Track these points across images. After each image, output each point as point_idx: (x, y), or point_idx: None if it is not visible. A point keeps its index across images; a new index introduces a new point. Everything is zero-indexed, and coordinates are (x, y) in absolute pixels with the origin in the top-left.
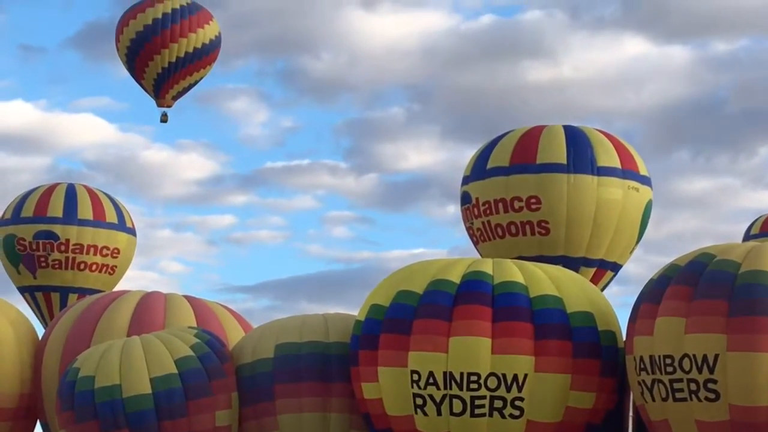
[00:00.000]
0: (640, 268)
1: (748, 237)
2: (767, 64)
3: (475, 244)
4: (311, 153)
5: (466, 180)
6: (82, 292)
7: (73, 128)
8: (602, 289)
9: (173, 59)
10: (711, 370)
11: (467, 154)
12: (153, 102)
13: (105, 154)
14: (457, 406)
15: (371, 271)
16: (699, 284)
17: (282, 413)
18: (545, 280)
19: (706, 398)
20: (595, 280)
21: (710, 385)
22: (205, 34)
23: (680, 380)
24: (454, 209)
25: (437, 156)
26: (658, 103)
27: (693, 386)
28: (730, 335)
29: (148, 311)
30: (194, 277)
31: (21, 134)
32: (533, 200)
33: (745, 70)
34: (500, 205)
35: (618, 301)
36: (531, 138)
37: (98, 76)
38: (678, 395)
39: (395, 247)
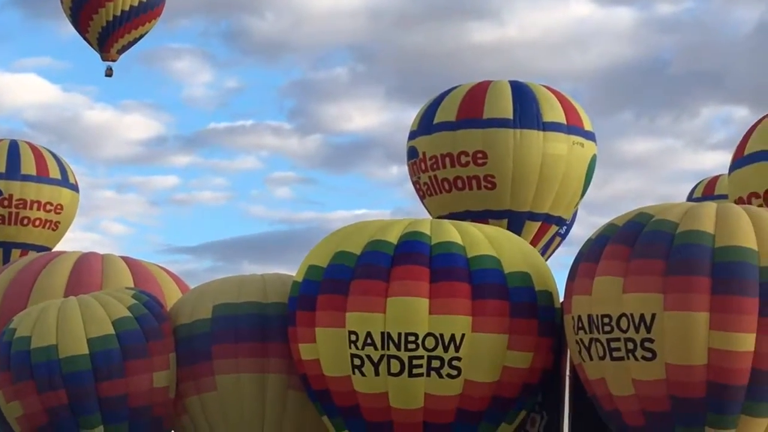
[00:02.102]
0: (583, 229)
1: (690, 200)
2: (711, 27)
3: (422, 198)
4: (255, 114)
5: (412, 135)
6: (25, 247)
7: (14, 88)
8: (547, 242)
9: (118, 12)
10: (648, 330)
11: (411, 114)
12: (96, 61)
13: (47, 114)
14: (395, 366)
15: (314, 231)
16: (636, 244)
17: (219, 374)
18: (483, 240)
19: (643, 357)
20: (540, 233)
21: (647, 344)
22: None
23: (618, 339)
24: (397, 170)
25: (381, 117)
26: (602, 64)
27: (630, 345)
28: (666, 295)
29: (85, 272)
30: (136, 239)
31: None
32: (480, 155)
33: (688, 32)
34: (447, 160)
35: (561, 261)
36: (478, 93)
37: (40, 34)
38: (615, 354)
39: (338, 208)
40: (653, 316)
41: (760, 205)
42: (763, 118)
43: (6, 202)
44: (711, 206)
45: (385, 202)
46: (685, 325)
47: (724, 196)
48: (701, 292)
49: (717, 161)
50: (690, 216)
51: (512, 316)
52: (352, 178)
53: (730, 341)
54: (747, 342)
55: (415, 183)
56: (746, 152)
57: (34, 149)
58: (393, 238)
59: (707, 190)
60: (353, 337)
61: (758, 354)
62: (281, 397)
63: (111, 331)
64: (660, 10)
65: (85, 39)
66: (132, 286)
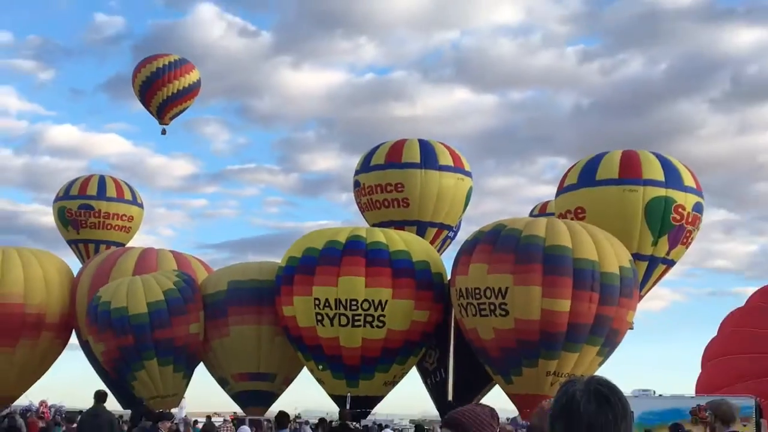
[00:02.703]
0: (464, 234)
1: (531, 215)
2: (545, 106)
3: (362, 213)
4: (256, 160)
5: (357, 173)
6: (108, 243)
7: (103, 142)
8: (442, 241)
9: (170, 93)
10: (503, 297)
11: (355, 161)
12: (155, 125)
13: (124, 159)
14: (343, 320)
15: (293, 235)
16: (496, 243)
17: (232, 325)
18: (399, 241)
19: (500, 314)
20: (436, 236)
21: (503, 306)
22: (190, 78)
23: (484, 303)
24: (346, 196)
25: (337, 162)
26: (476, 129)
27: (492, 307)
28: (515, 275)
29: (147, 260)
30: (179, 239)
31: (69, 146)
32: (399, 185)
33: (530, 110)
34: (378, 188)
35: (449, 255)
36: (398, 146)
37: (119, 108)
38: (482, 312)
39: (309, 220)
40: (507, 288)
41: (572, 219)
42: (573, 166)
43: (96, 215)
44: (543, 220)
45: (339, 216)
46: (527, 295)
47: (551, 214)
48: (537, 273)
49: (547, 192)
50: (529, 226)
51: (417, 289)
52: (318, 201)
53: (555, 305)
54: (565, 305)
55: (358, 203)
56: (564, 185)
57: (115, 180)
58: (342, 238)
59: (541, 210)
60: (317, 302)
61: (572, 313)
62: (270, 340)
63: (162, 297)
64: (512, 96)
65: (149, 110)
66: (176, 269)
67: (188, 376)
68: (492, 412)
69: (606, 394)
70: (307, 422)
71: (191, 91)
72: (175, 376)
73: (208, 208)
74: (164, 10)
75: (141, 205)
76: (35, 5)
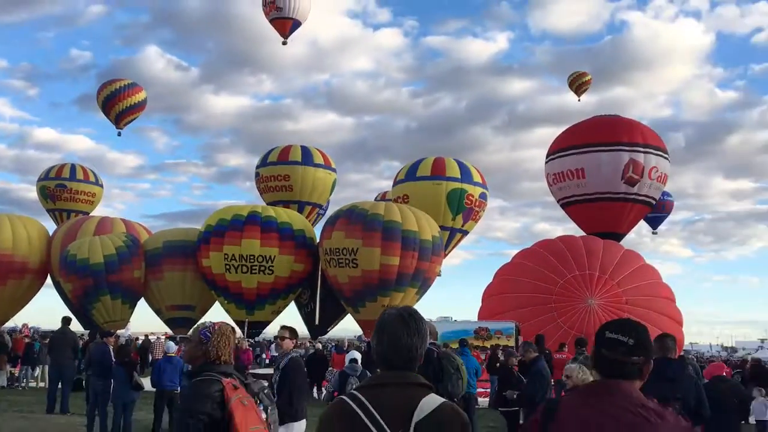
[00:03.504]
0: (330, 211)
1: (376, 200)
2: (387, 127)
3: (261, 194)
4: (186, 157)
5: (257, 167)
6: (76, 212)
7: (73, 141)
8: (316, 216)
9: (124, 107)
10: (355, 254)
11: (257, 159)
12: (113, 129)
13: (89, 154)
14: (244, 269)
15: (211, 210)
16: (351, 218)
17: (165, 272)
18: (285, 215)
19: (352, 266)
20: (312, 211)
21: (354, 261)
22: (139, 96)
23: (342, 258)
24: (249, 184)
25: (243, 160)
26: (340, 141)
27: (347, 261)
28: (363, 240)
29: (104, 225)
30: (130, 212)
31: (49, 143)
32: (287, 176)
33: (377, 129)
34: (272, 178)
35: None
36: (286, 149)
37: (86, 116)
38: (341, 265)
39: (222, 199)
40: (357, 249)
41: (401, 202)
42: (402, 167)
43: (68, 192)
44: (383, 203)
45: (244, 198)
46: (371, 253)
47: (389, 199)
48: (377, 239)
49: (386, 184)
50: (374, 207)
51: (296, 248)
52: (229, 187)
53: (389, 260)
54: (395, 261)
55: (258, 188)
56: (396, 180)
57: (82, 168)
58: (245, 212)
59: (382, 197)
60: (226, 256)
61: (400, 266)
62: (193, 282)
63: (114, 251)
64: (365, 119)
65: (108, 119)
66: (125, 232)
67: (132, 307)
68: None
69: (406, 317)
70: None
71: (140, 106)
72: (122, 307)
73: (150, 190)
74: (122, 48)
75: (101, 186)
76: (27, 41)
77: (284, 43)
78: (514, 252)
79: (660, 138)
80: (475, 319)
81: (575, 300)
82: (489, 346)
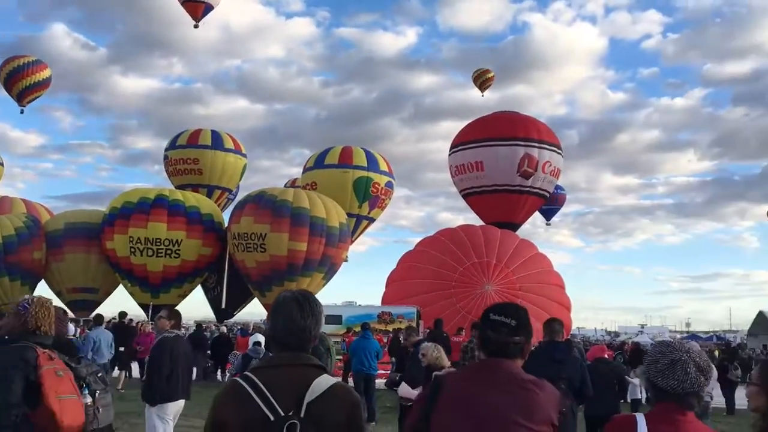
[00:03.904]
0: (240, 196)
1: (285, 186)
2: (297, 115)
3: (169, 177)
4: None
5: (166, 149)
6: None
7: None
8: (226, 200)
9: (27, 84)
10: (263, 239)
11: (166, 142)
12: (16, 107)
13: None
14: (150, 252)
15: (117, 193)
16: (260, 203)
17: (66, 253)
18: (192, 198)
19: (260, 251)
20: (221, 195)
21: (262, 246)
22: (43, 74)
23: (250, 243)
24: (158, 167)
25: (152, 143)
26: (252, 127)
27: (255, 246)
28: (271, 225)
29: (3, 204)
30: (30, 191)
31: None
32: (196, 160)
33: (287, 117)
34: (181, 161)
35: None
36: (196, 133)
37: None
38: (249, 249)
39: (129, 182)
40: (265, 234)
41: (310, 189)
42: (311, 155)
43: None
44: (292, 189)
45: (152, 181)
46: (279, 239)
47: (299, 186)
48: (286, 224)
49: (296, 171)
50: (283, 193)
51: (204, 232)
52: (137, 170)
53: (297, 246)
54: (303, 246)
55: (166, 171)
56: (306, 167)
57: None
58: (152, 195)
59: (292, 183)
60: (131, 239)
61: (308, 252)
62: (96, 265)
63: (13, 232)
64: (276, 106)
65: (11, 96)
66: (26, 212)
67: (32, 289)
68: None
69: (301, 300)
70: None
71: (44, 83)
72: (22, 288)
73: (53, 170)
74: (27, 25)
75: (2, 164)
76: None
77: (196, 27)
78: (418, 240)
79: (554, 134)
80: (379, 304)
81: (473, 286)
82: (391, 330)
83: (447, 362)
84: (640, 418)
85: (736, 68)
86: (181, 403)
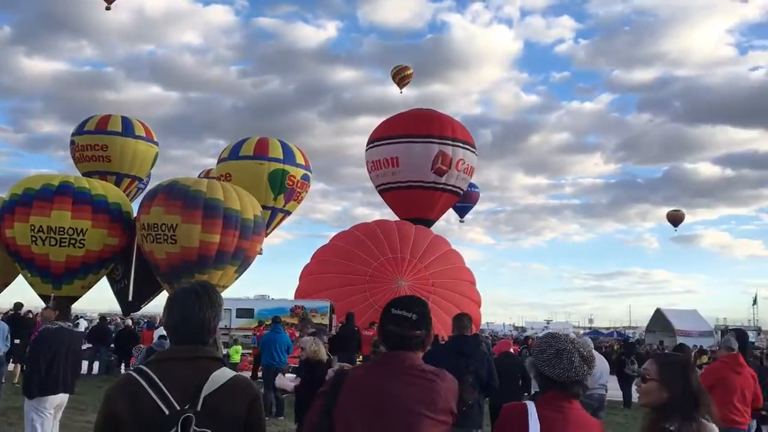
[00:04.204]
0: (151, 186)
1: (200, 176)
2: (214, 104)
3: (76, 164)
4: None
5: (73, 135)
6: None
7: None
8: (136, 189)
9: None
10: (174, 230)
11: (73, 127)
12: None
13: None
14: (53, 241)
15: (20, 177)
16: (171, 193)
17: None
18: (99, 186)
19: (170, 242)
20: (130, 184)
21: (173, 237)
22: None
23: (160, 234)
24: (63, 153)
25: (57, 128)
26: (165, 115)
27: (165, 237)
28: (183, 216)
29: None
30: None
31: None
32: (105, 146)
33: (203, 106)
34: (89, 147)
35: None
36: (105, 118)
37: None
38: (158, 240)
39: (33, 168)
40: (176, 225)
41: (224, 180)
42: (227, 146)
43: None
44: (206, 180)
45: (57, 167)
46: (190, 230)
47: (213, 177)
48: (198, 216)
49: (211, 162)
50: (196, 183)
51: (111, 222)
52: (41, 155)
53: (209, 238)
54: (216, 238)
55: (72, 157)
56: (220, 158)
57: None
58: (56, 182)
59: (206, 174)
60: (33, 228)
61: (221, 244)
62: None
63: None
64: (191, 94)
65: None
66: None
67: None
68: None
69: (200, 291)
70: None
71: None
72: None
73: None
74: None
75: None
76: None
77: (108, 8)
78: (334, 234)
79: (469, 133)
80: (292, 298)
81: (387, 281)
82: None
83: (324, 356)
84: (531, 406)
85: (642, 75)
86: (63, 397)
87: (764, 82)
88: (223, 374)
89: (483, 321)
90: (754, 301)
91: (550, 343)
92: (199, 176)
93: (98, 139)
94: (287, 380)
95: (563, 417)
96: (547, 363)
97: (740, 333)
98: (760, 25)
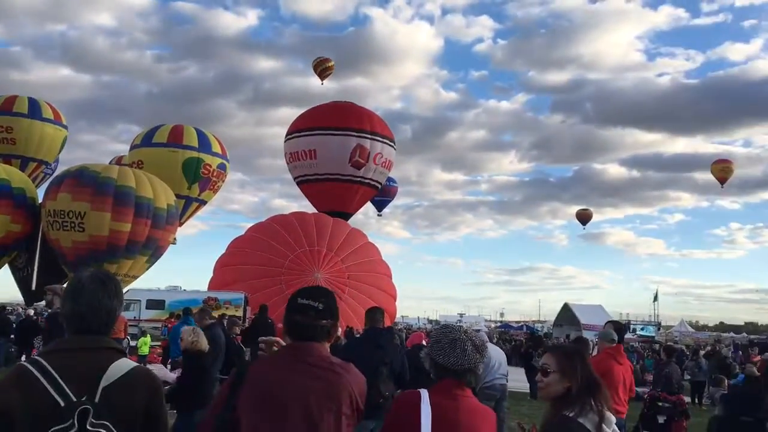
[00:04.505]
0: (60, 171)
1: (111, 163)
2: (128, 89)
3: None
4: None
5: None
6: None
7: None
8: (43, 173)
9: None
10: (82, 218)
11: None
12: None
13: None
14: None
15: None
16: (80, 179)
17: None
18: (2, 170)
19: (78, 230)
20: (36, 168)
21: (81, 225)
22: None
23: (66, 222)
24: None
25: None
26: (75, 99)
27: (73, 224)
28: (92, 203)
29: None
30: None
31: None
32: (9, 128)
33: (116, 90)
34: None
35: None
36: (11, 99)
37: None
38: (65, 228)
39: None
40: (85, 212)
41: (136, 168)
42: (139, 132)
43: None
44: (116, 167)
45: None
46: (100, 218)
47: (125, 164)
48: (108, 204)
49: (123, 148)
50: (106, 170)
51: (14, 208)
52: None
53: (120, 226)
54: (127, 227)
55: None
56: (132, 144)
57: None
58: None
59: (118, 161)
60: None
61: (131, 233)
62: None
63: None
64: (104, 78)
65: None
66: None
67: None
68: None
69: (105, 280)
70: None
71: None
72: None
73: None
74: None
75: None
76: None
77: None
78: (249, 224)
79: (388, 127)
80: (206, 289)
81: (303, 273)
82: (217, 316)
83: (205, 346)
84: (424, 393)
85: (556, 77)
86: None
87: (670, 88)
88: (124, 365)
89: (399, 314)
90: (655, 298)
91: (445, 333)
92: (110, 163)
93: (2, 121)
94: (168, 371)
95: (456, 404)
96: (442, 352)
97: (618, 325)
98: (668, 33)
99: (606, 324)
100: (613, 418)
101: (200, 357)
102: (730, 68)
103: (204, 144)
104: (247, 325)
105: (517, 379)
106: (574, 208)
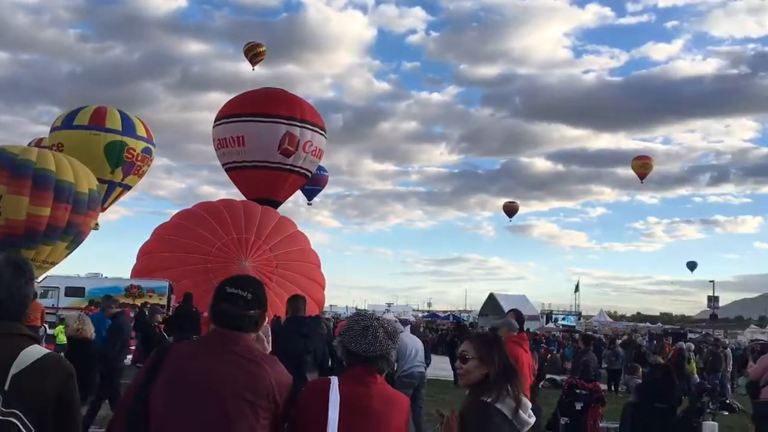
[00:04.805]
0: None
1: (30, 145)
2: (48, 68)
3: None
4: None
5: None
6: None
7: None
8: None
9: None
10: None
11: None
12: None
13: None
14: None
15: None
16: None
17: None
18: None
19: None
20: None
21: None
22: None
23: None
24: None
25: None
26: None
27: None
28: (9, 186)
29: None
30: None
31: None
32: None
33: (37, 69)
34: None
35: None
36: None
37: None
38: None
39: None
40: (1, 196)
41: (56, 150)
42: (60, 114)
43: None
44: (35, 149)
45: None
46: (17, 202)
47: (45, 147)
48: (27, 187)
49: (43, 130)
50: (24, 152)
51: None
52: None
53: (39, 211)
54: (46, 212)
55: None
56: (53, 126)
57: None
58: None
59: (37, 143)
60: None
61: (51, 217)
62: None
63: None
64: (22, 56)
65: None
66: None
67: None
68: None
69: (21, 264)
70: None
71: None
72: None
73: None
74: None
75: None
76: None
77: None
78: (175, 211)
79: (318, 115)
80: (129, 276)
81: (231, 262)
82: (140, 304)
83: (90, 334)
84: (334, 381)
85: (486, 71)
86: None
87: (595, 84)
88: (35, 351)
89: (327, 303)
90: (576, 288)
91: (357, 321)
92: (29, 145)
93: None
94: None
95: (367, 391)
96: (354, 339)
97: (518, 313)
98: (594, 31)
99: (508, 313)
100: (529, 404)
101: (85, 344)
102: (653, 67)
103: (128, 127)
104: (170, 313)
105: (442, 368)
106: (502, 200)
